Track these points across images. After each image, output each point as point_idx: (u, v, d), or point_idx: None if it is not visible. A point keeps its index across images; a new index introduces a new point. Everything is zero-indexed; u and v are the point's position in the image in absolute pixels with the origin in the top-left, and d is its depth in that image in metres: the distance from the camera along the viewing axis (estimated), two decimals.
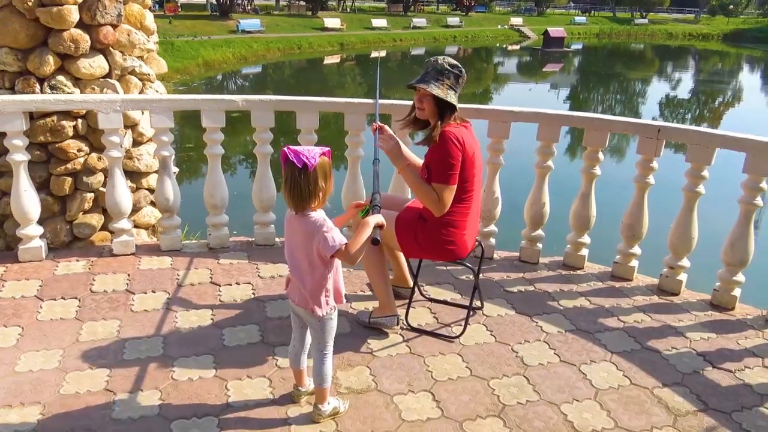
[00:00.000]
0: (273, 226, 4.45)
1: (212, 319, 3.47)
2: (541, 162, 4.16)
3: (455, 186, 3.05)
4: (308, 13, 52.25)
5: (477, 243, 3.51)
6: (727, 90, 33.72)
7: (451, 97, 3.03)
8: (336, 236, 2.40)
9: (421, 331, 3.42)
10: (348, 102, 4.12)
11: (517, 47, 54.45)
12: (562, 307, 3.74)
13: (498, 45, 55.46)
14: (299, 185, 2.34)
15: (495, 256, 4.41)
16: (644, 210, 4.02)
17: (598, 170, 4.09)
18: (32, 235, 3.95)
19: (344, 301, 2.65)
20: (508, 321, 3.57)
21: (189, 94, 4.01)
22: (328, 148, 2.44)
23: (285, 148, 2.36)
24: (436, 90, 3.00)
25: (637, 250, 4.13)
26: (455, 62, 3.07)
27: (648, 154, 3.88)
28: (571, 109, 26.54)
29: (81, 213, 4.26)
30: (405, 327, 3.44)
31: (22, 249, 3.95)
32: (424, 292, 3.84)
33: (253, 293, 3.76)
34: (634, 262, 4.15)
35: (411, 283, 3.71)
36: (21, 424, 2.59)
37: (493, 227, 4.36)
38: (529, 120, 4.10)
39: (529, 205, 4.27)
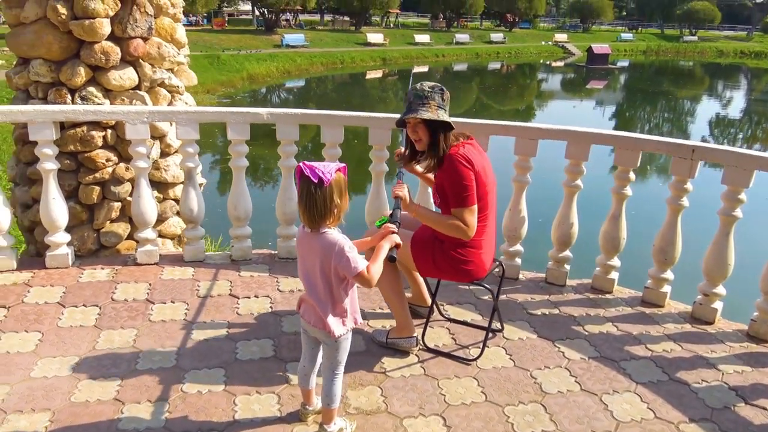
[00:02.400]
0: (296, 239, 4.43)
1: (227, 331, 3.45)
2: (570, 181, 4.03)
3: (475, 206, 2.97)
4: (352, 28, 52.87)
5: (497, 263, 3.42)
6: None
7: (443, 116, 2.94)
8: (357, 258, 2.35)
9: (437, 353, 3.33)
10: (372, 116, 4.09)
11: (561, 64, 53.88)
12: (587, 333, 3.60)
13: (542, 61, 54.96)
14: (315, 201, 2.30)
15: (520, 276, 4.29)
16: (677, 233, 3.85)
17: (629, 190, 3.94)
18: (59, 242, 4.02)
19: (360, 321, 2.59)
20: (528, 345, 3.45)
21: (215, 107, 4.03)
22: (343, 165, 2.39)
23: (301, 164, 2.33)
24: (427, 114, 2.93)
25: (669, 275, 3.96)
26: (433, 83, 3.00)
27: (682, 176, 3.72)
28: (617, 127, 26.05)
29: (108, 222, 4.32)
30: (421, 347, 3.35)
31: (49, 256, 4.02)
32: (444, 312, 3.75)
33: (271, 306, 3.74)
34: (666, 288, 3.98)
35: (429, 301, 3.64)
36: None
37: (518, 247, 4.24)
38: (558, 138, 3.99)
39: (557, 225, 4.14)
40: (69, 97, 4.03)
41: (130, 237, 4.46)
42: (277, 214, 4.35)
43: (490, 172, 3.06)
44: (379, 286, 3.30)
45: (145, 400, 2.84)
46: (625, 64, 55.63)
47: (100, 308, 3.62)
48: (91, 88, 4.05)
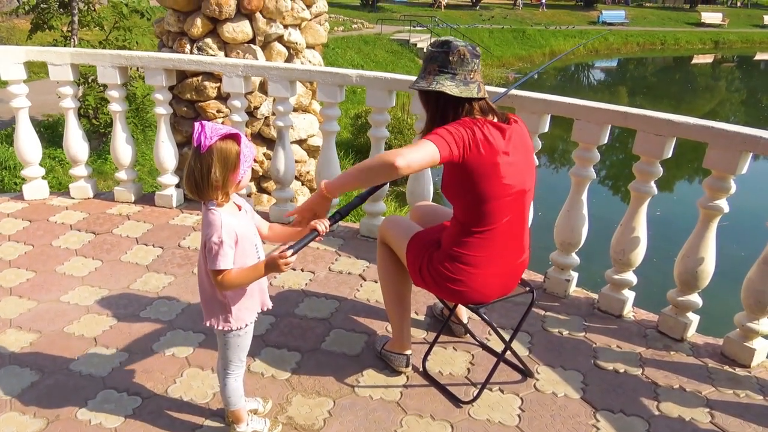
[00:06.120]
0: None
1: None
2: (707, 200, 2.86)
3: (432, 145, 2.10)
4: (685, 6, 47.32)
5: (527, 288, 2.59)
6: None
7: (440, 84, 2.18)
8: (224, 253, 1.94)
9: (432, 381, 2.69)
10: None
11: None
12: (657, 412, 2.54)
13: None
14: (192, 167, 1.94)
15: (628, 314, 3.25)
16: None
17: None
18: (167, 183, 4.29)
19: (250, 321, 2.17)
20: (558, 405, 2.57)
21: (305, 65, 3.81)
22: (238, 132, 1.97)
23: (198, 121, 2.00)
24: (419, 83, 2.23)
25: None
26: (446, 38, 2.22)
27: None
28: None
29: None
30: (418, 370, 2.75)
31: (158, 195, 4.33)
32: (484, 339, 3.00)
33: (307, 283, 3.45)
34: None
35: (463, 318, 2.96)
36: (2, 347, 2.80)
37: (629, 276, 3.20)
38: (698, 137, 2.85)
39: (681, 257, 3.00)
40: (188, 47, 4.21)
41: None
42: None
43: (519, 172, 2.24)
44: (382, 289, 2.77)
45: (114, 347, 2.84)
46: None
47: (162, 250, 3.76)
48: (208, 40, 4.17)
